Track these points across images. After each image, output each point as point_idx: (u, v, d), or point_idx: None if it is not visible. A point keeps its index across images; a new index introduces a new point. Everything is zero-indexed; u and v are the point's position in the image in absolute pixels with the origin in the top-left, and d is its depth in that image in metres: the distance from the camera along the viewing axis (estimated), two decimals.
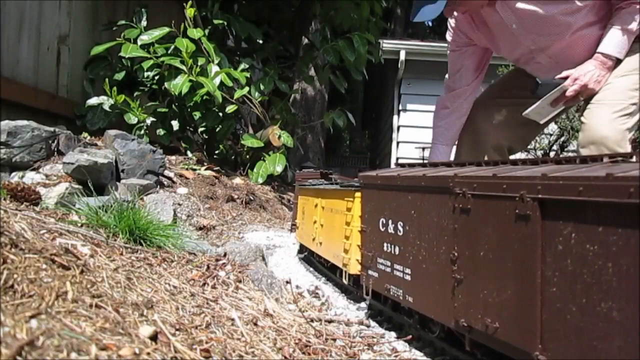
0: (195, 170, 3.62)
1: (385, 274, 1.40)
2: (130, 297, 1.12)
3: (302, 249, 2.59)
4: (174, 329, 1.04)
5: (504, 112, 2.17)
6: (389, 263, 1.37)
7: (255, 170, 4.04)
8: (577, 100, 1.93)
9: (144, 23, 3.91)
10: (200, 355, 0.96)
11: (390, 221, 1.36)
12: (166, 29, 3.78)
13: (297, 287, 1.95)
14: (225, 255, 1.81)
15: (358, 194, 1.59)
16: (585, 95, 1.86)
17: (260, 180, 3.98)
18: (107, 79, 3.70)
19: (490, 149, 2.19)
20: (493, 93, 2.32)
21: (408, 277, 1.27)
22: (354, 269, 1.62)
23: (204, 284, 1.44)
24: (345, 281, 1.75)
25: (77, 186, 2.16)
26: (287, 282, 1.81)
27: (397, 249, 1.33)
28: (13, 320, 0.76)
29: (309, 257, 2.46)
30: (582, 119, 1.89)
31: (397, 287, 1.33)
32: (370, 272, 1.50)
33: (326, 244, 1.99)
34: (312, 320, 1.46)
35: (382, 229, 1.40)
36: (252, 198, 3.58)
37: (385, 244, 1.39)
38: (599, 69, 1.82)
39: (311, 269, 2.36)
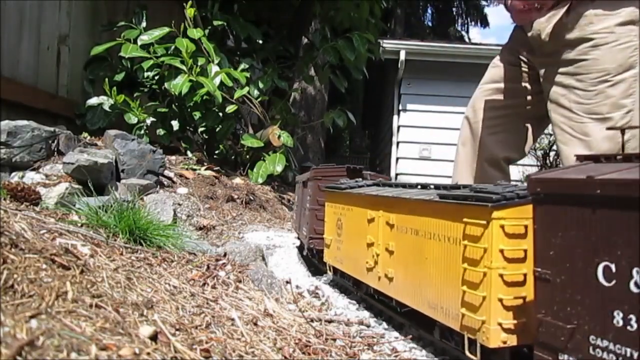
0: (195, 170, 3.62)
1: None
2: (130, 297, 1.12)
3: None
4: (174, 329, 1.04)
5: (499, 120, 2.12)
6: (633, 353, 0.75)
7: (255, 170, 4.04)
8: None
9: (143, 24, 3.91)
10: (200, 355, 0.96)
11: (636, 271, 0.75)
12: (166, 29, 3.78)
13: (297, 287, 1.95)
14: (225, 255, 1.81)
15: (498, 214, 1.00)
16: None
17: (260, 180, 3.98)
18: (107, 79, 3.71)
19: (485, 163, 2.13)
20: (485, 98, 2.20)
21: None
22: (496, 339, 1.01)
23: (204, 284, 1.45)
24: (474, 357, 1.07)
25: (77, 186, 2.16)
26: (287, 282, 1.81)
27: None
28: (13, 320, 0.76)
29: (347, 285, 1.86)
30: (580, 135, 1.85)
31: None
32: (566, 357, 0.86)
33: (407, 284, 1.33)
34: (312, 320, 1.46)
35: (608, 284, 0.79)
36: (252, 198, 3.58)
37: (618, 314, 0.78)
38: None
39: (312, 269, 2.35)
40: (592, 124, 1.82)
